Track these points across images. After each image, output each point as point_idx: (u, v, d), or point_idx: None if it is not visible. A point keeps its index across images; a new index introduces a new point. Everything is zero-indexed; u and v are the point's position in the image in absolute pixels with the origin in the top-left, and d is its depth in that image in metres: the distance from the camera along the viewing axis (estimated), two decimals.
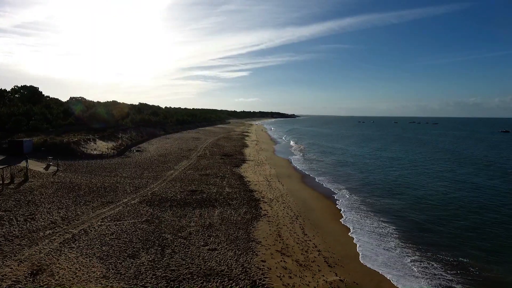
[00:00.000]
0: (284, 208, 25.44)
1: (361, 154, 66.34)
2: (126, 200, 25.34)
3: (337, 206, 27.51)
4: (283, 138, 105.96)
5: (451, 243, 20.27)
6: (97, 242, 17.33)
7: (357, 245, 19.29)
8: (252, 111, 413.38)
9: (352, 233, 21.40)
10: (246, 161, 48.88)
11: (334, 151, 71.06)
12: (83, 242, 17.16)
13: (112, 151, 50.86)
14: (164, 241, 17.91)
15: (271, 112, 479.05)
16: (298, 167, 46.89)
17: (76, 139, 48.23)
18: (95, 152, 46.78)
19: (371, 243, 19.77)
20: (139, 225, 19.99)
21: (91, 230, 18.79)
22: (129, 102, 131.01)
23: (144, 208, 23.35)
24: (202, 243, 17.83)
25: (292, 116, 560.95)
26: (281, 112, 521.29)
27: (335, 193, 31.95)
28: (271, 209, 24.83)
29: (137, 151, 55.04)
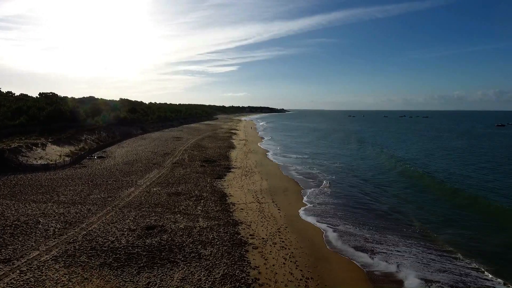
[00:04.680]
0: (285, 259, 16.58)
1: (364, 156, 58.09)
2: (36, 253, 16.03)
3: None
4: (275, 136, 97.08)
5: None
6: None
7: None
8: (241, 106, 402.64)
9: None
10: (232, 169, 39.88)
11: (334, 151, 62.60)
12: None
13: (67, 158, 41.11)
14: None
15: (260, 107, 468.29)
16: (294, 176, 38.09)
17: (16, 145, 38.26)
18: (39, 162, 36.96)
19: None
20: None
21: None
22: (115, 98, 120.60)
23: (55, 274, 14.13)
24: None
25: (282, 110, 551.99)
26: (270, 106, 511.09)
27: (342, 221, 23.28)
28: (264, 263, 15.93)
29: (99, 157, 45.36)
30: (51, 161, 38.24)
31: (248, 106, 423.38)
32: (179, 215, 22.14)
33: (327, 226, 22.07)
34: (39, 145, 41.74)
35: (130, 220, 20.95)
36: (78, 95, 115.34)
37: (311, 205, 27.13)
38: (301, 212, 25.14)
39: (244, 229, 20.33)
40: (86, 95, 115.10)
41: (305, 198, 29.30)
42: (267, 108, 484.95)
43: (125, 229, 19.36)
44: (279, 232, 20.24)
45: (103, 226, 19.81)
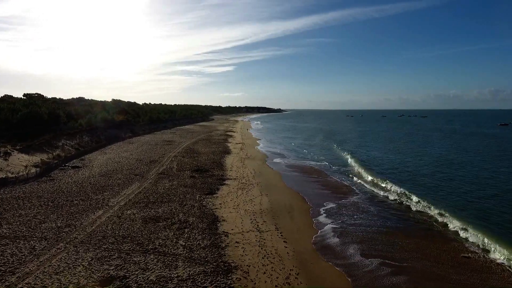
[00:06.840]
0: None
1: (376, 157, 52.60)
2: None
3: None
4: (270, 137, 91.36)
5: None
6: None
7: None
8: (237, 106, 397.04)
9: None
10: (226, 181, 34.23)
11: (337, 155, 57.09)
12: None
13: (34, 169, 35.21)
14: None
15: (257, 107, 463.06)
16: (300, 188, 32.43)
17: None
18: None
19: None
20: None
21: None
22: (112, 99, 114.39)
23: None
24: None
25: (278, 110, 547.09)
26: (267, 106, 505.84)
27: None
28: None
29: (73, 167, 39.47)
30: (12, 173, 32.35)
31: (245, 106, 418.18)
32: (152, 256, 16.41)
33: (380, 262, 16.53)
34: (1, 154, 35.80)
35: (82, 267, 15.18)
36: (73, 96, 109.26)
37: (334, 226, 21.71)
38: (314, 244, 19.54)
39: (240, 279, 14.65)
40: (84, 96, 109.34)
41: (320, 219, 23.81)
42: (264, 108, 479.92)
43: (70, 286, 13.61)
44: (289, 284, 14.59)
45: (40, 279, 14.03)
